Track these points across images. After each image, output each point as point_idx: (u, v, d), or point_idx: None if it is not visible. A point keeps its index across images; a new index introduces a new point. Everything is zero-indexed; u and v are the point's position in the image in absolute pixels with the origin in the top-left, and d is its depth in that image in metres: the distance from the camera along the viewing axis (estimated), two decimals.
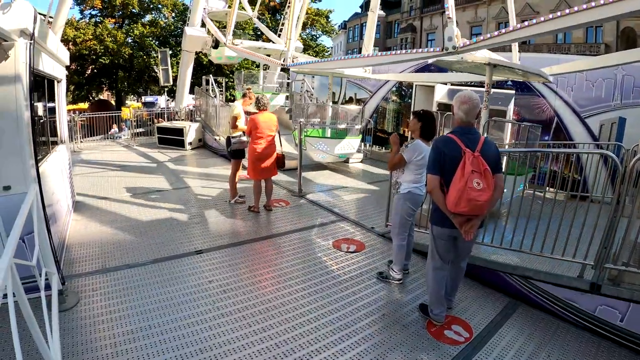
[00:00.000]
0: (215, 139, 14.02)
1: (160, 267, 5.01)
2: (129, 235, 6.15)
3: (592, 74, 10.44)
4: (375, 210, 7.85)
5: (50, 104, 6.49)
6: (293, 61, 9.53)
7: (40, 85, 5.57)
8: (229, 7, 19.78)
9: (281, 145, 7.79)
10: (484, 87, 11.87)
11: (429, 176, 3.58)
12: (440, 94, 12.25)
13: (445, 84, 12.33)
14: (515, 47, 9.74)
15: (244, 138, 7.65)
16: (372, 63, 8.27)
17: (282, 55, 10.38)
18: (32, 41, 3.97)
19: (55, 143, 6.70)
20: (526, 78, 9.30)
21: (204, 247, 5.69)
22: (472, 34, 39.43)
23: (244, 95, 8.07)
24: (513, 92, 11.58)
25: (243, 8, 19.73)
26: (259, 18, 22.29)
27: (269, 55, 14.52)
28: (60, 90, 7.30)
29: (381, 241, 6.30)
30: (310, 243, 6.05)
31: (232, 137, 7.71)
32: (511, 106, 11.13)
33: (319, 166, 11.97)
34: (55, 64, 6.52)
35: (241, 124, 7.72)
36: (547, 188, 8.39)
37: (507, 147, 9.81)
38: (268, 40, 19.71)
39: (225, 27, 15.75)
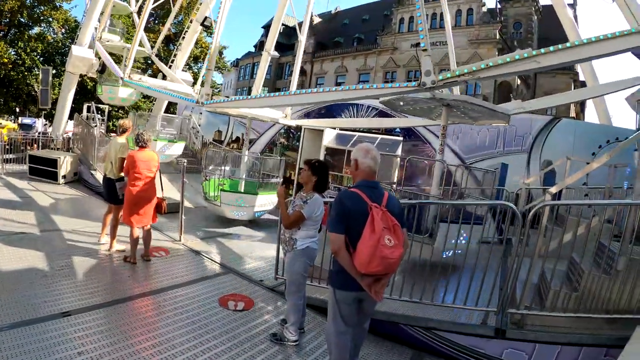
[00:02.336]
0: (92, 174, 12.92)
1: (20, 334, 4.13)
2: None
3: None
4: (263, 261, 7.59)
5: None
6: (210, 97, 9.18)
7: None
8: (126, 41, 19.02)
9: (162, 188, 7.18)
10: (373, 132, 12.61)
11: (334, 235, 3.22)
12: (329, 138, 12.56)
13: (334, 128, 12.67)
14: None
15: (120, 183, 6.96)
16: None
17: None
18: None
19: None
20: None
21: (72, 308, 4.86)
22: (360, 80, 42.87)
23: (122, 131, 7.32)
24: (401, 138, 12.21)
25: (142, 45, 19.01)
26: (152, 46, 21.46)
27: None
28: None
29: (271, 296, 6.02)
30: (194, 301, 5.53)
31: (117, 181, 7.00)
32: (399, 152, 11.69)
33: (202, 209, 11.48)
34: None
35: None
36: None
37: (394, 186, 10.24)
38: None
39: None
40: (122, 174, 6.89)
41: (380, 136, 12.39)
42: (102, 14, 17.30)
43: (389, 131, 13.03)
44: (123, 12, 20.03)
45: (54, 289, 5.35)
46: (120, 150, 6.97)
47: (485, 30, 36.03)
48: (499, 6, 38.75)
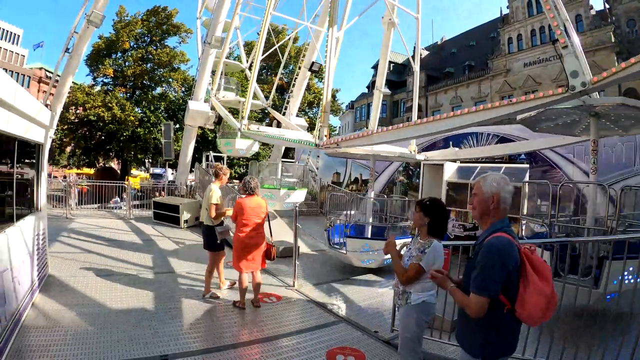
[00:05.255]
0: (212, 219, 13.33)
1: None
2: (92, 326, 5.32)
3: (609, 138, 9.77)
4: (380, 310, 6.78)
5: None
6: (329, 137, 9.57)
7: (7, 147, 5.21)
8: (241, 95, 20.06)
9: (271, 234, 6.90)
10: (494, 162, 11.48)
11: (482, 299, 2.58)
12: (450, 172, 11.63)
13: (455, 161, 11.72)
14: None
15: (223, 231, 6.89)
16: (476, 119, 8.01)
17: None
18: None
19: (25, 211, 6.15)
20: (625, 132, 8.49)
21: (172, 352, 4.72)
22: None
23: (216, 175, 7.31)
24: (527, 166, 10.92)
25: (256, 97, 19.90)
26: (266, 96, 22.52)
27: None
28: (42, 154, 6.84)
29: (385, 350, 5.24)
30: (300, 352, 5.00)
31: (217, 227, 6.93)
32: (526, 180, 10.39)
33: (319, 253, 11.01)
34: (33, 125, 6.08)
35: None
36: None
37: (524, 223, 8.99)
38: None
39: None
40: (218, 220, 6.95)
41: (504, 165, 11.30)
42: (213, 72, 18.38)
43: (513, 159, 11.82)
44: (235, 69, 21.15)
45: (158, 331, 5.31)
46: (212, 197, 6.92)
47: (598, 35, 32.49)
48: (607, 6, 34.50)
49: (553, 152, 11.21)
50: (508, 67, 39.50)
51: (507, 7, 40.60)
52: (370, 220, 10.39)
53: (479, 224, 2.95)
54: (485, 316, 2.60)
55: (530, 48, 37.23)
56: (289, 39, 21.66)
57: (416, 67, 11.36)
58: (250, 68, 19.13)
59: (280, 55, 22.00)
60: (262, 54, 13.02)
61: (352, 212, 11.06)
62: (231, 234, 6.99)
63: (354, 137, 8.42)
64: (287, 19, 19.96)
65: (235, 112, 20.80)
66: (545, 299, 2.51)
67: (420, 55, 43.11)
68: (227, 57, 19.27)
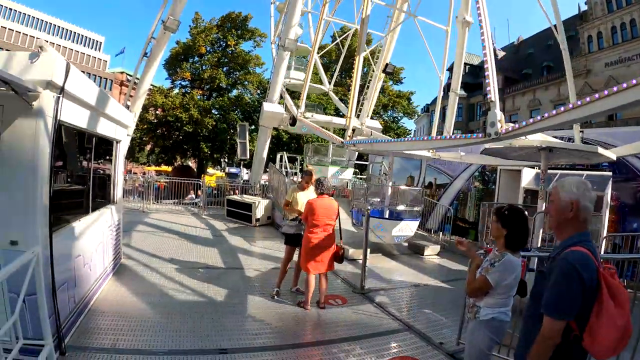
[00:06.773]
0: (283, 218, 13.50)
1: None
2: (157, 313, 5.57)
3: None
4: (448, 319, 6.41)
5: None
6: (351, 138, 10.63)
7: (86, 143, 5.56)
8: (312, 80, 20.72)
9: (342, 237, 6.78)
10: (575, 169, 10.62)
11: (558, 323, 2.27)
12: (528, 179, 10.90)
13: (533, 167, 10.97)
14: (576, 126, 9.70)
15: (292, 226, 6.89)
16: (422, 147, 9.20)
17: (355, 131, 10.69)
18: (60, 95, 3.80)
19: (101, 203, 6.45)
20: (588, 160, 8.51)
21: (231, 346, 4.76)
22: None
23: (304, 176, 7.41)
24: (610, 174, 9.91)
25: (321, 82, 20.24)
26: (341, 99, 22.73)
27: (342, 131, 15.58)
28: (118, 151, 7.17)
29: None
30: (360, 359, 4.83)
31: (285, 220, 7.10)
32: (608, 191, 9.45)
33: (388, 257, 10.82)
34: (111, 123, 6.38)
35: (300, 206, 6.88)
36: None
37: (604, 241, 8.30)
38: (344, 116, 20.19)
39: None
40: (292, 215, 6.98)
41: (585, 172, 10.39)
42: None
43: (595, 165, 10.83)
44: (305, 53, 21.45)
45: (219, 324, 5.41)
46: (289, 194, 7.19)
47: None
48: None
49: (637, 158, 10.21)
50: (588, 67, 36.36)
51: (585, 4, 37.71)
52: (387, 204, 11.37)
53: (554, 235, 2.64)
54: None
55: (611, 47, 34.15)
56: (345, 37, 21.97)
57: (442, 76, 12.26)
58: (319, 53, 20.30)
59: (341, 47, 22.84)
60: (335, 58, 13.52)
61: (377, 199, 12.28)
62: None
63: (362, 144, 10.63)
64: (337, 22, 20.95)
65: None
66: (618, 331, 2.20)
67: (496, 56, 40.92)
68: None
